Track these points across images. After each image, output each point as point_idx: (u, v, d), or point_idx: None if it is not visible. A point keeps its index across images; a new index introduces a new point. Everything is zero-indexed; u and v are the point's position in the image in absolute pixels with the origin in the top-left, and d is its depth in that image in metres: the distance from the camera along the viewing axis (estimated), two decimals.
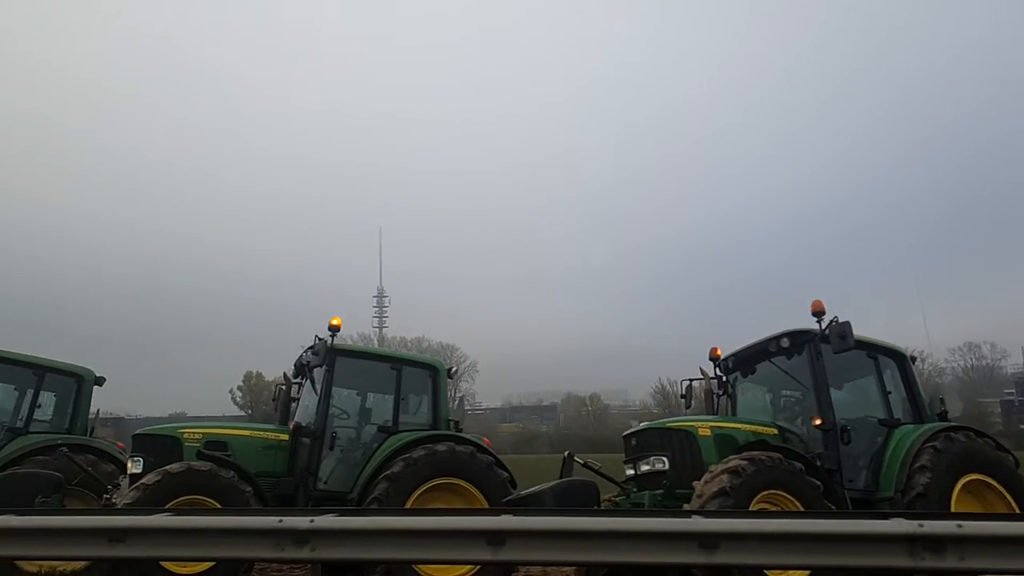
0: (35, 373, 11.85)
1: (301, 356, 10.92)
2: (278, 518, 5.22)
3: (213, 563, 8.31)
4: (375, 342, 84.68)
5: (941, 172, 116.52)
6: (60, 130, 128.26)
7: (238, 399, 73.07)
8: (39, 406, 11.85)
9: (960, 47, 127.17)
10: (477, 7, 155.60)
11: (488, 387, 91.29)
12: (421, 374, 10.93)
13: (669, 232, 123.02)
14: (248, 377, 73.05)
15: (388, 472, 9.54)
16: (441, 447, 9.83)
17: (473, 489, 9.75)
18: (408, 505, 9.40)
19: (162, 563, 8.20)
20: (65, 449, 10.72)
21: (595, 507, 8.34)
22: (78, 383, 12.13)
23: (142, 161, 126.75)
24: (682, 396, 10.81)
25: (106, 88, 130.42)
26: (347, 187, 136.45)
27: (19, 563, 9.20)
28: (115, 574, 8.87)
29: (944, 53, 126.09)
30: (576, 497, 8.04)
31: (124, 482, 9.59)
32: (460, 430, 10.63)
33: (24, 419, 11.70)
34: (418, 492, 9.57)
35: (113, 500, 9.57)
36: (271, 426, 10.59)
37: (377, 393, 11.03)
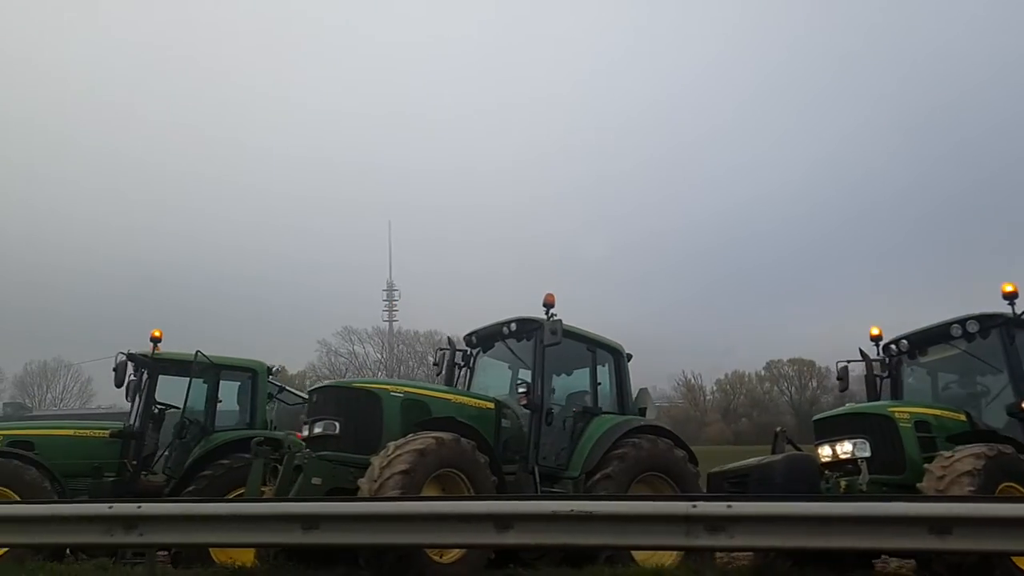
0: None
1: None
2: None
3: None
4: (386, 335, 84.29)
5: (940, 163, 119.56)
6: (60, 136, 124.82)
7: None
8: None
9: (955, 35, 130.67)
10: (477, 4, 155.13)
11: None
12: None
13: (668, 226, 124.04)
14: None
15: None
16: None
17: None
18: None
19: None
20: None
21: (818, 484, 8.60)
22: None
23: (143, 164, 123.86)
24: (839, 378, 10.85)
25: (109, 91, 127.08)
26: (350, 185, 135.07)
27: None
28: None
29: (938, 41, 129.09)
30: (803, 472, 8.42)
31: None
32: None
33: None
34: None
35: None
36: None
37: None
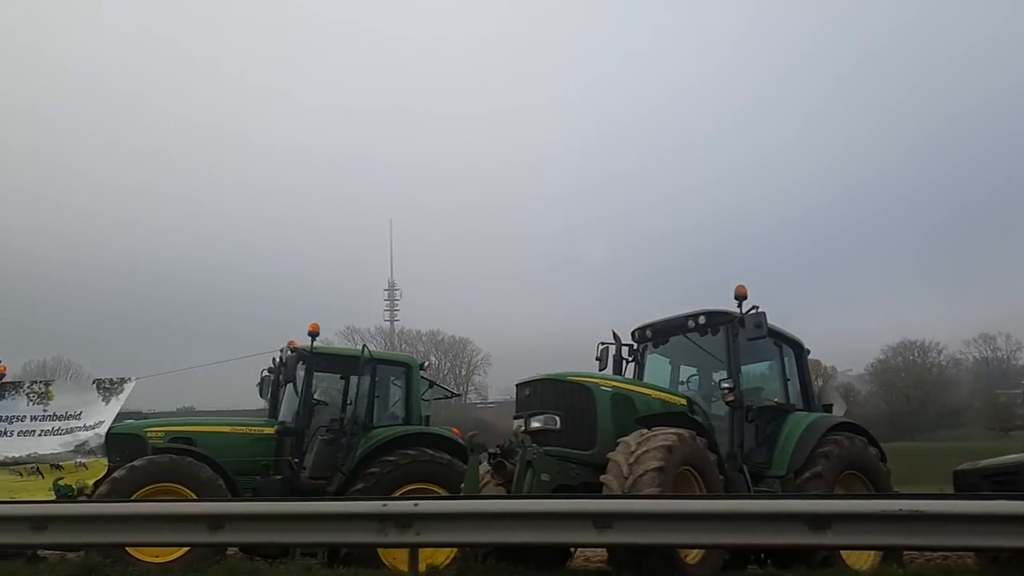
0: None
1: None
2: None
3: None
4: (388, 334, 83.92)
5: (950, 167, 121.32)
6: (67, 129, 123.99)
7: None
8: None
9: (967, 45, 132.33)
10: (480, 4, 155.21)
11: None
12: None
13: (670, 227, 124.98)
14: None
15: None
16: None
17: None
18: None
19: None
20: None
21: None
22: None
23: (143, 158, 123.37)
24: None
25: (113, 85, 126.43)
26: (351, 183, 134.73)
27: None
28: None
29: (949, 50, 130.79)
30: None
31: None
32: None
33: None
34: None
35: None
36: None
37: None
